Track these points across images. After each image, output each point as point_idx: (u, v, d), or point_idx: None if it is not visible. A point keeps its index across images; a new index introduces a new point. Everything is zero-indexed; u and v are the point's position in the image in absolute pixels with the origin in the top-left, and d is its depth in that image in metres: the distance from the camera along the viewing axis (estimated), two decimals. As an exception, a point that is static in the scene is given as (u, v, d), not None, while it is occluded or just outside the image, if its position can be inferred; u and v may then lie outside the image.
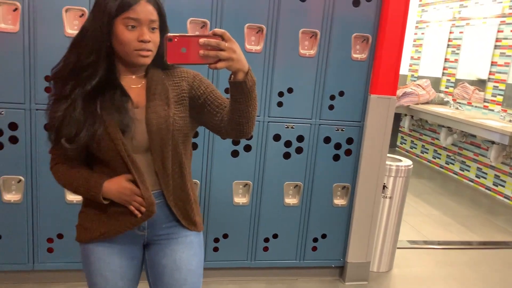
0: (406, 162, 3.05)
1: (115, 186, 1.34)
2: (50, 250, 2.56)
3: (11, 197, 2.47)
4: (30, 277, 2.60)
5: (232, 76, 1.23)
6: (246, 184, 2.71)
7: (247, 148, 2.65)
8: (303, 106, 2.65)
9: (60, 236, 2.56)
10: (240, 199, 2.72)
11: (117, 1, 1.25)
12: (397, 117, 6.66)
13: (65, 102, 1.28)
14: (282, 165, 2.71)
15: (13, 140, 2.40)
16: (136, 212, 1.36)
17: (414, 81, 6.43)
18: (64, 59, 1.32)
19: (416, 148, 6.65)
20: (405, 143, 6.94)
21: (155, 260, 1.45)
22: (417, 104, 5.76)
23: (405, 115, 6.47)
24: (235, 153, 2.64)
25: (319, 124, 2.69)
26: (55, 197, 2.49)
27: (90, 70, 1.28)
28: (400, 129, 6.99)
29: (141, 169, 1.35)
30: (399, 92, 5.71)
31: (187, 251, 1.44)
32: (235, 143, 2.62)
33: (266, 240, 2.81)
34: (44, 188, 2.48)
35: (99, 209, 1.40)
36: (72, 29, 2.34)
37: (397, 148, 7.10)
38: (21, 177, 2.45)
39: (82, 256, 1.49)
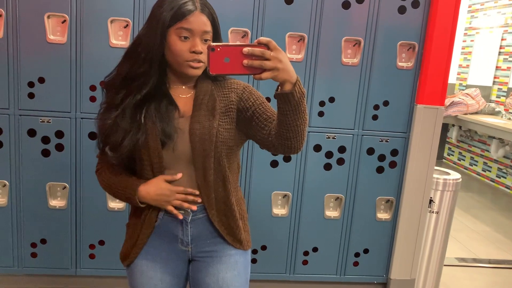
0: (455, 175, 2.90)
1: (153, 188, 1.32)
2: (92, 256, 2.61)
3: (56, 203, 2.54)
4: (73, 282, 2.65)
5: (279, 87, 1.17)
6: (286, 195, 2.66)
7: (287, 158, 2.60)
8: (345, 116, 2.58)
9: (101, 242, 2.60)
10: (279, 211, 2.67)
11: (171, 11, 1.24)
12: (444, 128, 6.41)
13: (115, 111, 1.29)
14: (322, 177, 2.64)
15: (59, 147, 2.47)
16: (175, 212, 1.33)
17: (463, 90, 6.17)
18: (117, 67, 1.33)
19: (464, 160, 6.37)
20: (452, 155, 6.66)
21: (198, 278, 1.42)
22: (466, 114, 5.51)
23: (453, 125, 6.22)
24: (274, 164, 2.60)
25: (362, 135, 2.61)
26: (97, 204, 2.54)
27: (142, 79, 1.28)
28: (447, 140, 6.72)
29: (172, 185, 1.33)
30: (447, 101, 5.48)
31: (230, 272, 1.40)
32: (274, 154, 2.58)
33: (306, 253, 2.74)
34: (87, 196, 2.53)
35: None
36: (116, 39, 2.38)
37: (444, 160, 6.82)
38: (65, 184, 2.52)
39: (126, 269, 1.49)
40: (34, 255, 2.58)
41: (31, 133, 2.44)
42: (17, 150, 2.44)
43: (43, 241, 2.57)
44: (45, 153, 2.47)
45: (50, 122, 2.44)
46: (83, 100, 2.43)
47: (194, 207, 1.34)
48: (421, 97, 2.54)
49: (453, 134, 6.28)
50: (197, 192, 1.33)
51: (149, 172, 1.32)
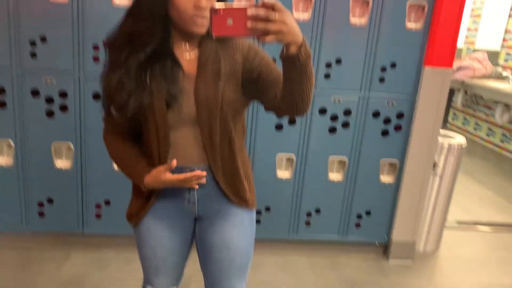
0: (459, 139, 2.89)
1: (156, 183, 1.32)
2: (98, 215, 2.65)
3: (62, 163, 2.56)
4: (80, 241, 2.71)
5: (284, 49, 1.13)
6: (290, 158, 2.66)
7: (292, 121, 2.59)
8: (351, 78, 2.55)
9: (107, 203, 2.63)
10: (283, 173, 2.69)
11: None
12: (450, 92, 6.32)
13: (119, 70, 1.26)
14: (327, 140, 2.64)
15: (63, 108, 2.47)
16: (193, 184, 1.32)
17: (470, 54, 6.06)
18: (119, 26, 1.29)
19: (468, 125, 6.33)
20: (457, 119, 6.62)
21: (205, 236, 1.43)
22: (472, 78, 5.44)
23: (458, 90, 6.14)
24: (279, 127, 2.59)
25: (368, 98, 2.58)
26: (103, 165, 2.55)
27: (145, 37, 1.24)
28: (452, 104, 6.66)
29: (176, 146, 1.32)
30: (453, 65, 5.40)
31: (236, 230, 1.41)
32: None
33: (309, 214, 2.77)
34: (92, 156, 2.54)
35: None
36: (119, -3, 2.33)
37: (448, 124, 6.78)
38: (71, 145, 2.52)
39: (133, 229, 1.51)
40: (41, 214, 2.62)
41: (35, 93, 2.43)
42: (21, 110, 2.44)
43: (50, 201, 2.61)
44: (50, 113, 2.47)
45: (53, 83, 2.42)
46: (86, 60, 2.40)
47: (203, 181, 1.33)
48: (429, 59, 2.50)
49: (458, 98, 6.21)
50: (204, 173, 1.31)
51: (153, 134, 1.31)
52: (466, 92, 6.07)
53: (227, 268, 1.42)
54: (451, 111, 6.74)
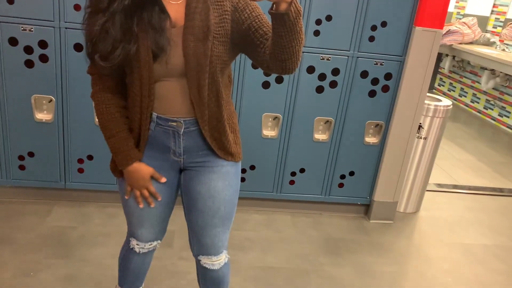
0: (446, 102, 2.90)
1: (132, 176, 1.38)
2: (80, 170, 2.62)
3: (42, 116, 2.49)
4: (62, 195, 2.68)
5: (274, 5, 1.08)
6: (276, 117, 2.64)
7: (279, 80, 2.55)
8: (341, 36, 2.50)
9: (90, 157, 2.59)
10: (269, 132, 2.67)
11: None
12: (438, 57, 6.30)
13: (102, 16, 1.19)
14: (314, 99, 2.62)
15: (43, 59, 2.38)
16: (139, 199, 1.42)
17: (460, 19, 6.01)
18: None
19: (454, 91, 6.37)
20: (443, 85, 6.65)
21: (190, 186, 1.42)
22: (461, 43, 5.42)
23: (446, 55, 6.13)
24: (266, 85, 2.55)
25: (357, 57, 2.55)
26: (84, 119, 2.50)
27: None
28: (439, 70, 6.66)
29: (162, 97, 1.29)
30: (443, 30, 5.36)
31: (222, 181, 1.41)
32: (267, 74, 2.52)
33: (293, 174, 2.78)
34: (74, 109, 2.48)
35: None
36: None
37: (434, 90, 6.82)
38: (51, 97, 2.45)
39: (117, 180, 1.48)
40: (22, 167, 2.58)
41: (13, 41, 2.33)
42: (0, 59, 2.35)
43: (31, 154, 2.56)
44: (29, 64, 2.38)
45: (32, 31, 2.32)
46: (67, 8, 2.30)
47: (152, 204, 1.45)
48: (420, 19, 2.46)
49: (446, 64, 6.21)
50: (159, 198, 1.44)
51: (137, 86, 1.26)
52: (454, 58, 6.07)
53: (211, 217, 1.43)
54: (438, 77, 6.76)
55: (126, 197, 1.44)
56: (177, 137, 1.35)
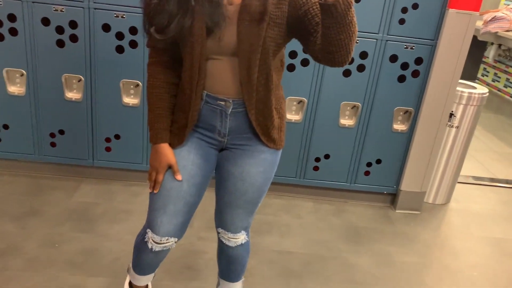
0: (481, 89, 2.75)
1: (154, 157, 1.37)
2: (108, 149, 2.69)
3: (72, 95, 2.57)
4: (90, 172, 2.77)
5: None
6: (300, 101, 2.60)
7: (304, 62, 2.50)
8: (370, 19, 2.42)
9: (117, 136, 2.65)
10: (293, 116, 2.64)
11: None
12: (482, 46, 6.03)
13: None
14: (340, 84, 2.55)
15: (74, 38, 2.44)
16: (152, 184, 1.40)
17: (508, 5, 5.68)
18: None
19: (499, 82, 6.06)
20: (487, 76, 6.34)
21: (225, 165, 1.43)
22: (508, 31, 5.12)
23: (491, 43, 5.83)
24: (291, 68, 2.51)
25: (387, 40, 2.46)
26: (112, 98, 2.56)
27: None
28: (483, 59, 6.35)
29: (213, 76, 1.28)
30: (488, 16, 5.09)
31: (256, 168, 1.40)
32: (291, 57, 2.48)
33: (317, 159, 2.74)
34: (102, 89, 2.54)
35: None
36: None
37: (477, 81, 6.51)
38: (81, 77, 2.52)
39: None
40: (53, 144, 2.67)
41: (45, 21, 2.40)
42: (32, 39, 2.43)
43: (61, 132, 2.65)
44: (60, 43, 2.45)
45: (63, 11, 2.39)
46: (95, -11, 2.35)
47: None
48: (454, 1, 2.33)
49: (490, 53, 5.90)
50: (156, 191, 1.40)
51: (188, 61, 1.26)
52: (500, 46, 5.76)
53: (236, 198, 1.44)
54: (482, 67, 6.45)
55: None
56: (224, 117, 1.34)
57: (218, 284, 1.72)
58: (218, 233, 1.56)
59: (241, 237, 1.54)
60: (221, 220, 1.52)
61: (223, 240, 1.55)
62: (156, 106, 1.36)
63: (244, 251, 1.59)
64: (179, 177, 1.37)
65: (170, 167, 1.37)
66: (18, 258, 2.04)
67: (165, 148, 1.37)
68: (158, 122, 1.37)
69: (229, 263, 1.62)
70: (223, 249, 1.59)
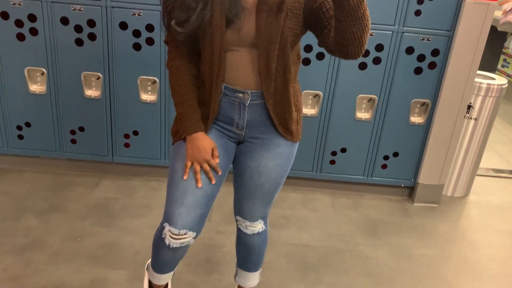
0: (501, 80, 2.71)
1: (197, 148, 1.35)
2: (126, 145, 2.73)
3: (91, 92, 2.62)
4: (110, 169, 2.82)
5: None
6: (316, 95, 2.60)
7: (320, 56, 2.50)
8: (385, 10, 2.40)
9: (135, 133, 2.70)
10: (309, 110, 2.64)
11: None
12: (502, 37, 5.91)
13: None
14: (356, 76, 2.55)
15: (92, 37, 2.49)
16: (198, 175, 1.36)
17: (529, -6, 5.55)
18: None
19: (520, 73, 5.94)
20: (507, 67, 6.21)
21: (241, 159, 1.45)
22: (529, 20, 5.01)
23: (511, 34, 5.72)
24: (306, 62, 2.51)
25: (402, 32, 2.44)
26: (130, 95, 2.60)
27: None
28: (503, 50, 6.23)
29: (232, 67, 1.30)
30: (508, 6, 4.99)
31: (273, 161, 1.42)
32: (307, 51, 2.48)
33: (334, 153, 2.74)
34: (120, 86, 2.59)
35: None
36: None
37: (497, 72, 6.39)
38: (99, 74, 2.57)
39: (173, 146, 1.47)
40: (73, 141, 2.73)
41: (64, 21, 2.45)
42: (52, 38, 2.48)
43: (81, 129, 2.70)
44: (79, 42, 2.50)
45: (81, 11, 2.43)
46: (114, -13, 2.38)
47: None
48: (471, -9, 2.31)
49: (510, 43, 5.79)
50: (219, 173, 1.39)
51: (208, 52, 1.28)
52: (520, 37, 5.64)
53: (253, 190, 1.46)
54: (502, 57, 6.33)
55: (184, 178, 1.36)
56: (242, 109, 1.36)
57: (236, 274, 1.75)
58: (237, 220, 1.59)
59: (258, 226, 1.56)
60: (239, 209, 1.56)
61: (241, 228, 1.58)
62: (187, 97, 1.37)
63: (262, 240, 1.62)
64: (217, 160, 1.38)
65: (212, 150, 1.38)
66: (42, 252, 2.10)
67: (204, 135, 1.38)
68: (194, 113, 1.37)
69: (246, 251, 1.65)
70: (241, 237, 1.62)
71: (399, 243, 2.40)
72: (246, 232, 1.58)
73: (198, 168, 1.35)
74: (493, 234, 2.58)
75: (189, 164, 1.36)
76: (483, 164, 3.12)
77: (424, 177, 2.72)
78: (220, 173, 1.39)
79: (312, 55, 2.50)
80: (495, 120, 2.80)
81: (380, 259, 2.26)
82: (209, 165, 1.37)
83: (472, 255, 2.36)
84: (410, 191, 2.83)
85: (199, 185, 1.35)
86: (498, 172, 3.35)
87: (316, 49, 2.48)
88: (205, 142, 1.36)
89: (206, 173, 1.36)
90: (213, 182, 1.37)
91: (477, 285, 2.14)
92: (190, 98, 1.37)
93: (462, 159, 2.84)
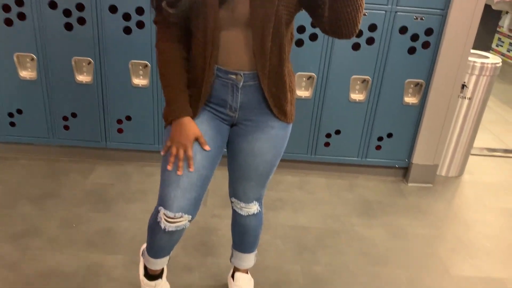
0: (494, 59, 2.70)
1: (179, 133, 1.33)
2: (120, 130, 2.72)
3: (83, 78, 2.59)
4: (103, 155, 2.81)
5: None
6: (310, 77, 2.59)
7: (313, 37, 2.48)
8: (378, -10, 2.38)
9: (128, 118, 2.68)
10: (303, 92, 2.63)
11: None
12: (496, 15, 5.88)
13: None
14: (350, 57, 2.53)
15: (81, 21, 2.45)
16: (173, 158, 1.34)
17: (524, -29, 5.51)
18: None
19: (514, 52, 5.93)
20: (501, 46, 6.20)
21: (236, 141, 1.44)
22: (523, -1, 4.98)
23: (506, 12, 5.68)
24: (299, 43, 2.49)
25: (396, 12, 2.42)
26: (122, 80, 2.57)
27: None
28: (498, 29, 6.20)
29: (225, 48, 1.27)
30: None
31: (268, 143, 1.41)
32: (300, 31, 2.46)
33: (328, 135, 2.74)
34: (111, 71, 2.56)
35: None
36: None
37: (491, 51, 6.38)
38: (90, 59, 2.53)
39: (165, 130, 1.45)
40: (66, 127, 2.71)
41: (52, 5, 2.41)
42: (40, 23, 2.44)
43: (74, 115, 2.68)
44: (68, 26, 2.46)
45: (76, -6, 2.39)
46: (100, -30, 2.34)
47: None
48: (465, -32, 2.28)
49: (505, 22, 5.76)
50: (191, 169, 1.34)
51: (201, 33, 1.25)
52: (514, 15, 5.61)
53: (248, 172, 1.47)
54: (496, 37, 6.31)
55: (168, 168, 1.35)
56: (235, 91, 1.34)
57: (232, 255, 1.76)
58: (232, 202, 1.60)
59: (253, 207, 1.57)
60: (234, 191, 1.56)
61: (236, 210, 1.59)
62: (175, 81, 1.34)
63: (257, 222, 1.63)
64: (207, 147, 1.36)
65: (196, 139, 1.35)
66: (39, 238, 2.10)
67: (190, 120, 1.35)
68: (180, 96, 1.35)
69: (242, 233, 1.66)
70: (236, 219, 1.63)
71: (394, 223, 2.42)
72: (241, 213, 1.59)
73: (174, 151, 1.34)
74: (487, 212, 2.60)
75: (168, 144, 1.36)
76: (477, 143, 3.13)
77: (418, 158, 2.73)
78: (191, 170, 1.34)
79: (305, 36, 2.48)
80: (489, 99, 2.80)
81: (375, 239, 2.28)
82: (186, 153, 1.34)
83: (466, 234, 2.39)
84: (405, 171, 2.84)
85: (179, 173, 1.34)
86: (492, 151, 3.37)
87: (309, 30, 2.45)
88: (188, 128, 1.34)
89: (178, 159, 1.34)
90: (191, 169, 1.34)
91: (471, 262, 2.17)
92: (177, 81, 1.35)
93: (456, 139, 2.84)
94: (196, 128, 1.35)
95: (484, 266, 2.15)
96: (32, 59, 2.54)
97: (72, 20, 2.44)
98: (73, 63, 2.54)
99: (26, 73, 2.58)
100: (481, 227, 2.45)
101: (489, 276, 2.08)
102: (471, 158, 3.04)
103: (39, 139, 2.74)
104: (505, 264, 2.18)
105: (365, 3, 2.41)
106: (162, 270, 1.68)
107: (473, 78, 2.67)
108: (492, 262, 2.18)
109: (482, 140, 3.44)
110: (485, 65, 2.63)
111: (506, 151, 3.40)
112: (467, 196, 2.78)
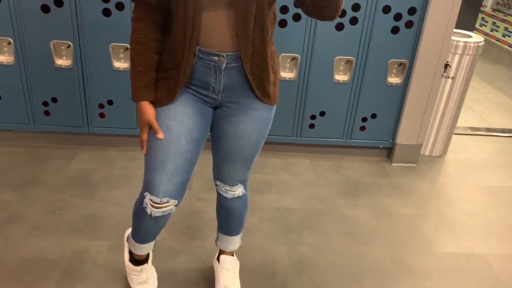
0: (477, 38, 2.71)
1: (138, 116, 1.37)
2: (101, 115, 2.68)
3: (62, 62, 2.53)
4: (86, 140, 2.77)
5: None
6: (294, 58, 2.57)
7: (296, 17, 2.45)
8: (361, -31, 2.35)
9: (110, 102, 2.64)
10: (287, 74, 2.61)
11: None
12: (480, -5, 5.91)
13: None
14: (333, 38, 2.51)
15: (58, 3, 2.38)
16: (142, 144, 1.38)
17: (507, -50, 5.52)
18: None
19: (497, 31, 5.97)
20: (485, 25, 6.23)
21: (219, 124, 1.43)
22: (506, -22, 5.00)
23: (490, -8, 5.71)
24: (282, 23, 2.46)
25: (379, -9, 2.40)
26: (103, 64, 2.52)
27: None
28: (481, 9, 6.23)
29: (207, 29, 1.24)
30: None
31: (251, 125, 1.40)
32: (283, 12, 2.43)
33: (313, 117, 2.73)
34: (92, 55, 2.50)
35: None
36: None
37: (475, 31, 6.41)
38: (69, 43, 2.48)
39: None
40: (47, 113, 2.66)
41: (28, -13, 2.34)
42: (16, 4, 2.37)
43: (54, 100, 2.63)
44: (45, 9, 2.39)
45: (45, -25, 2.32)
46: (77, -50, 2.27)
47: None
48: None
49: (488, 2, 5.79)
50: (144, 151, 1.38)
51: (182, 13, 1.22)
52: (497, -6, 5.64)
53: (232, 155, 1.45)
54: (480, 16, 6.33)
55: (142, 151, 1.39)
56: (218, 73, 1.31)
57: (218, 238, 1.76)
58: (216, 185, 1.59)
59: (238, 190, 1.56)
60: (219, 174, 1.54)
61: (221, 193, 1.58)
62: (138, 63, 1.32)
63: (242, 204, 1.62)
64: (160, 135, 1.33)
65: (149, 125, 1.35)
66: (21, 225, 2.07)
67: (145, 105, 1.34)
68: (138, 80, 1.33)
69: (227, 216, 1.65)
70: (221, 202, 1.62)
71: (379, 202, 2.44)
72: (226, 196, 1.58)
73: (142, 136, 1.37)
74: (470, 190, 2.64)
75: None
76: (460, 122, 3.16)
77: (402, 138, 2.75)
78: (144, 151, 1.38)
79: (288, 17, 2.45)
80: (472, 78, 2.82)
81: (360, 218, 2.30)
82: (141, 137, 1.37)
83: (450, 212, 2.42)
84: (389, 151, 2.86)
85: (143, 151, 1.38)
86: (475, 130, 3.40)
87: (292, 10, 2.42)
88: (143, 113, 1.34)
89: (140, 141, 1.38)
90: (143, 151, 1.39)
91: (453, 240, 2.20)
92: (140, 64, 1.32)
93: (440, 119, 2.86)
94: (150, 114, 1.34)
95: (467, 242, 2.19)
96: (9, 43, 2.47)
97: (49, 1, 2.37)
98: (51, 46, 2.47)
99: (3, 58, 2.51)
100: (464, 205, 2.49)
101: (471, 252, 2.12)
102: (454, 137, 3.08)
103: (20, 125, 2.69)
104: (487, 240, 2.22)
105: (348, -17, 2.38)
106: (148, 255, 1.68)
107: (456, 57, 2.68)
108: (474, 239, 2.22)
109: (465, 119, 3.48)
110: (468, 44, 2.64)
111: (488, 129, 3.44)
112: (450, 175, 2.82)
